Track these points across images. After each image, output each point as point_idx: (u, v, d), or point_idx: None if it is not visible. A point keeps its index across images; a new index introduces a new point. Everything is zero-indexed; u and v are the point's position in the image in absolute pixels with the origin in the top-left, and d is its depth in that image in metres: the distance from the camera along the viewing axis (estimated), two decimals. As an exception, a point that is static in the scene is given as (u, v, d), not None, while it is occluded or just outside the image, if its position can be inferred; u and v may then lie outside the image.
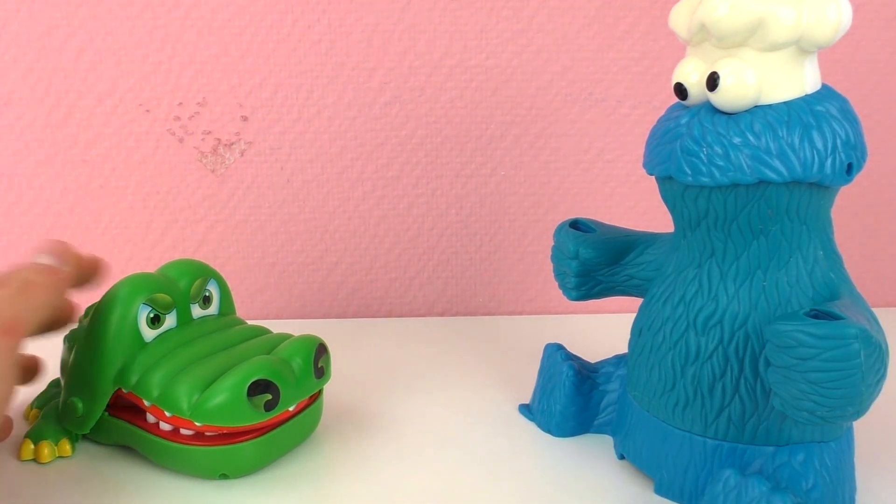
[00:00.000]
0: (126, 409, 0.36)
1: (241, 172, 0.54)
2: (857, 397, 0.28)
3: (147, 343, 0.36)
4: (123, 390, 0.35)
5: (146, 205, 0.54)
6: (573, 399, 0.39)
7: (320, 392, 0.39)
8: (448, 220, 0.56)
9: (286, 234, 0.55)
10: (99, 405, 0.36)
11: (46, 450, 0.36)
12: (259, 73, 0.52)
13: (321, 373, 0.37)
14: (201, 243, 0.55)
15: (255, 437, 0.35)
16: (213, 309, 0.40)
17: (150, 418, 0.36)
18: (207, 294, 0.39)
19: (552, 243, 0.40)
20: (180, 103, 0.52)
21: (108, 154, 0.53)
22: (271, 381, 0.34)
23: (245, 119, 0.53)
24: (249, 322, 0.41)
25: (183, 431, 0.35)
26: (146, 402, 0.35)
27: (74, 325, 0.38)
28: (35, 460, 0.37)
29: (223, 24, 0.51)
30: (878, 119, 0.54)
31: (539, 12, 0.52)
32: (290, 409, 0.36)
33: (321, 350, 0.37)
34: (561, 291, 0.40)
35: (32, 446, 0.37)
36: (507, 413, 0.42)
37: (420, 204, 0.55)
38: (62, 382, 0.38)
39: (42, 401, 0.40)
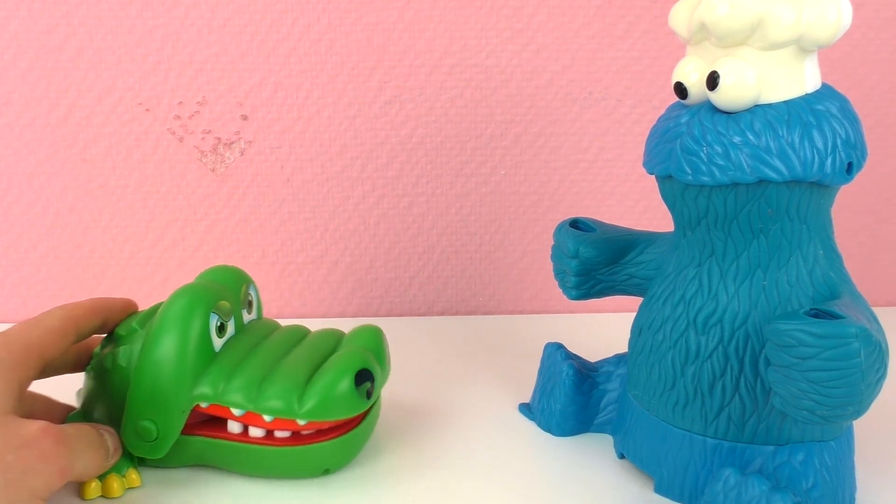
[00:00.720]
0: (199, 425, 0.35)
1: (240, 171, 0.54)
2: (857, 396, 0.28)
3: (217, 353, 0.35)
4: (202, 405, 0.34)
5: (146, 204, 0.54)
6: (573, 398, 0.39)
7: None
8: (448, 219, 0.56)
9: (286, 233, 0.55)
10: (177, 423, 0.34)
11: (116, 483, 0.34)
12: (259, 72, 0.52)
13: (388, 361, 0.38)
14: (201, 242, 0.55)
15: (348, 430, 0.35)
16: (254, 313, 0.39)
17: (235, 427, 0.35)
18: (250, 299, 0.39)
19: (552, 242, 0.40)
20: (180, 102, 0.52)
21: (108, 153, 0.53)
22: (369, 370, 0.35)
23: (245, 118, 0.53)
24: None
25: (278, 434, 0.35)
26: (236, 412, 0.34)
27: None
28: (104, 496, 0.34)
29: (223, 23, 0.51)
30: (878, 118, 0.54)
31: (539, 11, 0.52)
32: (378, 395, 0.37)
33: (385, 341, 0.39)
34: (561, 290, 0.40)
35: (96, 482, 0.34)
36: (506, 412, 0.42)
37: (420, 203, 0.55)
38: (89, 415, 0.36)
39: None
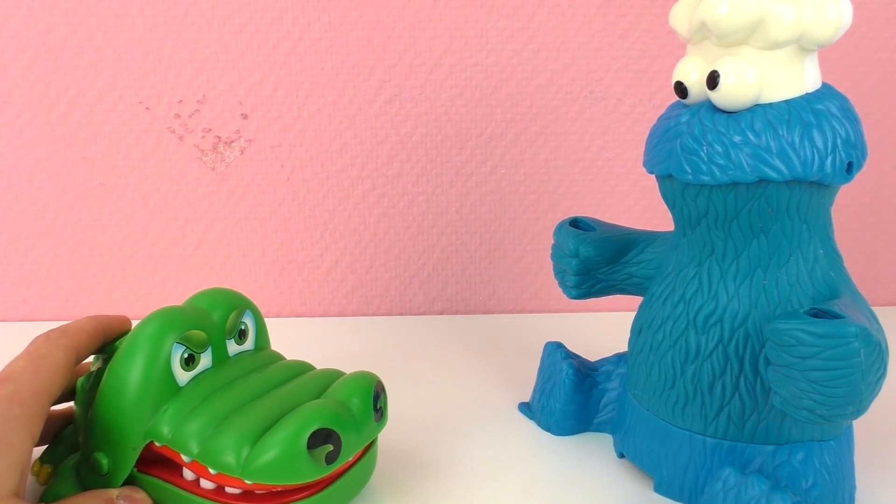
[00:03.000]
0: (158, 463, 0.32)
1: (241, 170, 0.54)
2: (857, 396, 0.28)
3: (181, 387, 0.31)
4: (156, 444, 0.31)
5: (146, 202, 0.54)
6: (573, 397, 0.39)
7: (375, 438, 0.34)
8: (448, 218, 0.56)
9: (286, 231, 0.55)
10: (127, 461, 0.31)
11: None
12: (259, 71, 0.52)
13: (380, 415, 0.33)
14: (201, 241, 0.55)
15: (312, 493, 0.31)
16: (248, 344, 0.35)
17: (189, 475, 0.31)
18: (243, 327, 0.35)
19: (552, 241, 0.40)
20: (180, 101, 0.52)
21: (108, 152, 0.53)
22: (333, 430, 0.30)
23: (245, 117, 0.53)
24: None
25: (228, 490, 0.31)
26: (185, 458, 0.30)
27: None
28: None
29: (223, 22, 0.51)
30: (878, 118, 0.54)
31: (539, 10, 0.52)
32: (350, 459, 0.32)
33: (379, 389, 0.33)
34: (561, 290, 0.40)
35: None
36: (506, 411, 0.42)
37: (420, 202, 0.55)
38: (79, 434, 0.33)
39: (55, 456, 0.35)
